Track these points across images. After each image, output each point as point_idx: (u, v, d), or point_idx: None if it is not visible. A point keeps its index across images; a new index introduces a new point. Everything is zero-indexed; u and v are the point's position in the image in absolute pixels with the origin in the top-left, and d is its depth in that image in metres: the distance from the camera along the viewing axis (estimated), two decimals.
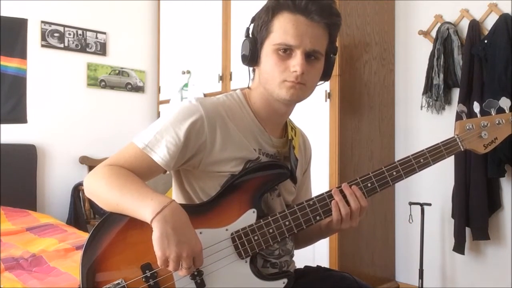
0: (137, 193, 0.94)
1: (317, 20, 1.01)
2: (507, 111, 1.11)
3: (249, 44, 1.06)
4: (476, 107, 1.13)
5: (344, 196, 1.03)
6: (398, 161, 1.07)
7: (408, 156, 1.07)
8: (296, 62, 1.01)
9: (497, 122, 1.11)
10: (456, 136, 1.10)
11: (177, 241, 0.88)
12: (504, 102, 1.10)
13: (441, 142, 1.09)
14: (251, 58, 1.06)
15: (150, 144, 1.01)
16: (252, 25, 1.08)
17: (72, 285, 1.60)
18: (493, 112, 1.11)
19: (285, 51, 1.01)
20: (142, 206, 0.91)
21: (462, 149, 1.10)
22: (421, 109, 2.79)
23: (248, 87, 1.15)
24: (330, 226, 1.08)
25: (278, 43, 1.01)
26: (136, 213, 0.93)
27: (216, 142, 1.03)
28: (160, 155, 1.00)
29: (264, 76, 1.06)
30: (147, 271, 0.95)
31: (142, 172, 1.00)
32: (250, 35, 1.08)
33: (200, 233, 0.97)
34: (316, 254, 2.59)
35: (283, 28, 1.01)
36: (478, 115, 1.12)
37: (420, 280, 2.56)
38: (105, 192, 0.97)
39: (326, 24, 1.02)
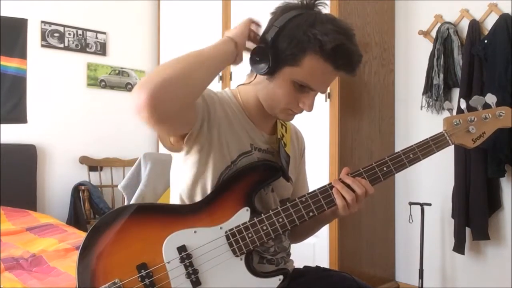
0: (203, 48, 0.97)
1: (342, 72, 1.02)
2: (493, 107, 1.13)
3: (270, 59, 0.99)
4: (462, 103, 1.15)
5: (346, 185, 1.04)
6: (388, 156, 1.08)
7: (398, 152, 1.09)
8: (308, 102, 1.04)
9: (484, 117, 1.12)
10: (444, 131, 1.12)
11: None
12: (490, 99, 1.12)
13: (429, 137, 1.11)
14: (266, 71, 1.01)
15: None
16: (273, 33, 1.00)
17: (72, 285, 1.60)
18: (479, 108, 1.13)
19: (302, 87, 1.02)
20: (217, 44, 0.99)
21: (451, 144, 1.11)
22: (421, 109, 2.79)
23: (240, 84, 1.15)
24: (336, 212, 1.09)
25: (301, 81, 1.01)
26: (218, 51, 0.97)
27: (215, 125, 1.04)
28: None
29: (269, 94, 1.06)
30: (142, 271, 0.96)
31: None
32: (270, 44, 1.00)
33: (195, 232, 0.98)
34: (316, 254, 2.59)
35: (311, 71, 0.99)
36: (465, 111, 1.14)
37: (420, 280, 2.56)
38: (176, 63, 0.91)
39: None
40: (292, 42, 0.98)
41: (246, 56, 1.05)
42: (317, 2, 1.04)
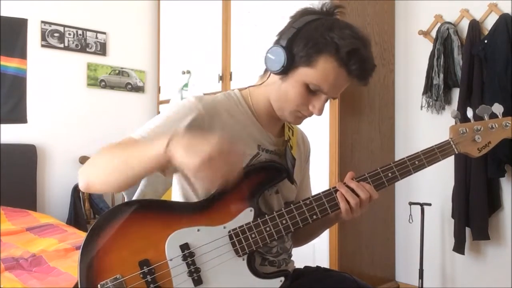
0: (141, 144, 0.93)
1: (355, 79, 1.03)
2: (500, 117, 1.13)
3: (285, 59, 1.00)
4: (469, 112, 1.15)
5: (351, 189, 1.05)
6: (393, 162, 1.09)
7: (403, 158, 1.09)
8: (318, 106, 1.04)
9: (490, 126, 1.12)
10: (450, 140, 1.12)
11: (199, 145, 0.84)
12: (497, 108, 1.12)
13: (435, 145, 1.11)
14: (280, 70, 1.02)
15: (148, 137, 0.99)
16: (290, 34, 1.01)
17: (72, 285, 1.60)
18: (486, 117, 1.13)
19: (313, 89, 1.02)
20: (151, 147, 0.88)
21: (456, 152, 1.12)
22: (421, 109, 2.79)
23: (252, 86, 1.15)
24: (339, 216, 1.09)
25: (314, 83, 1.01)
26: (148, 155, 0.88)
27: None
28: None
29: (281, 95, 1.06)
30: (144, 267, 0.96)
31: None
32: (286, 44, 1.00)
33: (198, 230, 0.98)
34: (316, 254, 2.59)
35: (325, 74, 0.99)
36: (472, 120, 1.14)
37: (420, 280, 2.56)
38: (108, 161, 0.93)
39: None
40: (308, 43, 0.99)
41: None
42: (336, 10, 1.05)
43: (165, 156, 0.86)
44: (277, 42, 1.04)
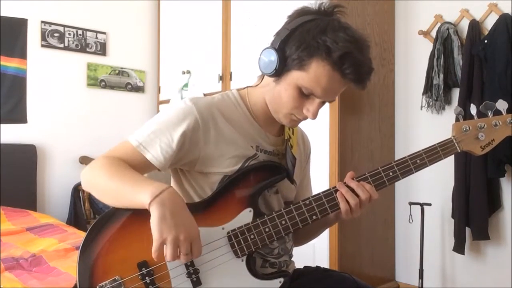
0: (136, 180, 0.94)
1: (351, 84, 1.00)
2: (504, 114, 1.11)
3: (277, 62, 0.98)
4: (473, 109, 1.13)
5: (351, 189, 1.04)
6: (394, 161, 1.07)
7: (405, 157, 1.07)
8: (312, 109, 1.02)
9: (494, 124, 1.10)
10: (452, 137, 1.10)
11: (174, 224, 0.88)
12: (501, 105, 1.10)
13: (437, 143, 1.09)
14: (272, 73, 1.01)
15: (144, 143, 1.02)
16: (284, 35, 0.99)
17: (72, 285, 1.60)
18: (490, 114, 1.11)
19: (307, 93, 1.00)
20: (141, 191, 0.91)
21: (459, 150, 1.10)
22: (421, 109, 2.79)
23: (250, 86, 1.15)
24: (339, 216, 1.09)
25: (306, 87, 0.98)
26: (135, 197, 0.92)
27: (210, 142, 1.04)
28: (154, 155, 1.01)
29: (275, 98, 1.05)
30: (143, 269, 0.96)
31: (136, 167, 1.01)
32: (279, 47, 0.99)
33: None
34: (316, 254, 2.59)
35: (318, 77, 0.96)
36: (475, 117, 1.12)
37: (420, 280, 2.56)
38: (104, 180, 0.97)
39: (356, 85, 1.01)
40: (300, 47, 0.97)
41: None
42: (335, 9, 1.02)
43: (148, 207, 0.89)
44: (271, 43, 1.02)
